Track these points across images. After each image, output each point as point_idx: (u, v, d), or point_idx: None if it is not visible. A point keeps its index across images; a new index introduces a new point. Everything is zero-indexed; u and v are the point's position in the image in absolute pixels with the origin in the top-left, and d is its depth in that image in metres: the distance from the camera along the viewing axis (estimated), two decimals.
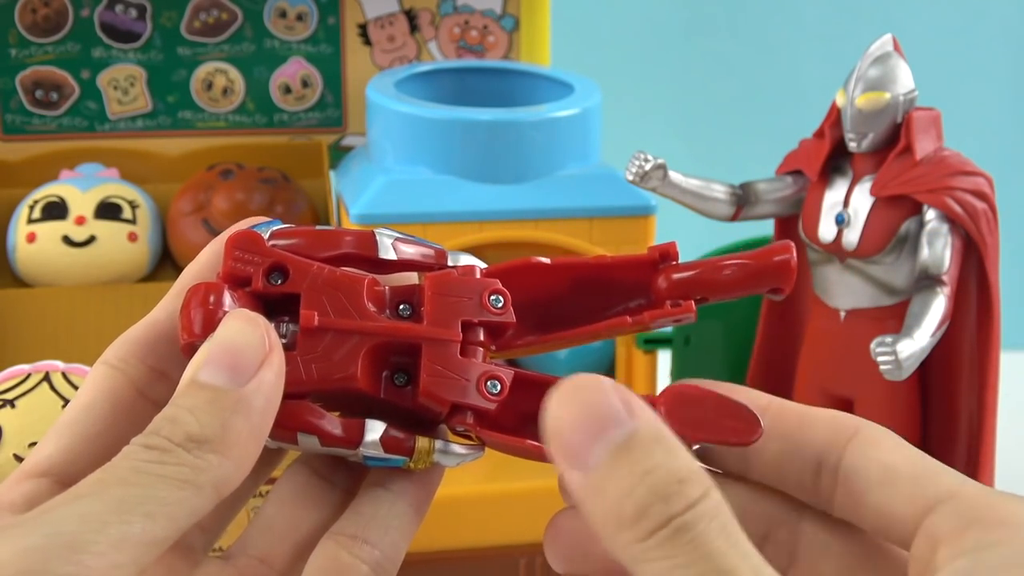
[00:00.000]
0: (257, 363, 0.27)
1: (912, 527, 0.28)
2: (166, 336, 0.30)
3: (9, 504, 0.27)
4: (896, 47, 0.60)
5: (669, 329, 0.70)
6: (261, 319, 0.27)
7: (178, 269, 0.76)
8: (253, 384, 0.26)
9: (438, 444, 0.29)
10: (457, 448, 0.29)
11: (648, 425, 0.25)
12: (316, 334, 0.29)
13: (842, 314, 0.61)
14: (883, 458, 0.29)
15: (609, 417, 0.25)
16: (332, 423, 0.29)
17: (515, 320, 0.30)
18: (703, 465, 0.25)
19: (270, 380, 0.27)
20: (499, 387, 0.29)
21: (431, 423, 0.30)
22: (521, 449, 0.29)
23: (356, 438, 0.29)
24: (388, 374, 0.30)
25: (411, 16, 0.82)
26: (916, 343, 0.55)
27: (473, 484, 0.66)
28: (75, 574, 0.23)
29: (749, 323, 0.68)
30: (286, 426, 0.28)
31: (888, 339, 0.54)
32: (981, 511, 0.26)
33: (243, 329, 0.27)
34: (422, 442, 0.29)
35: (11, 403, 0.57)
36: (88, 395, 0.29)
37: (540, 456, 0.29)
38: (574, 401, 0.25)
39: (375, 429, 0.29)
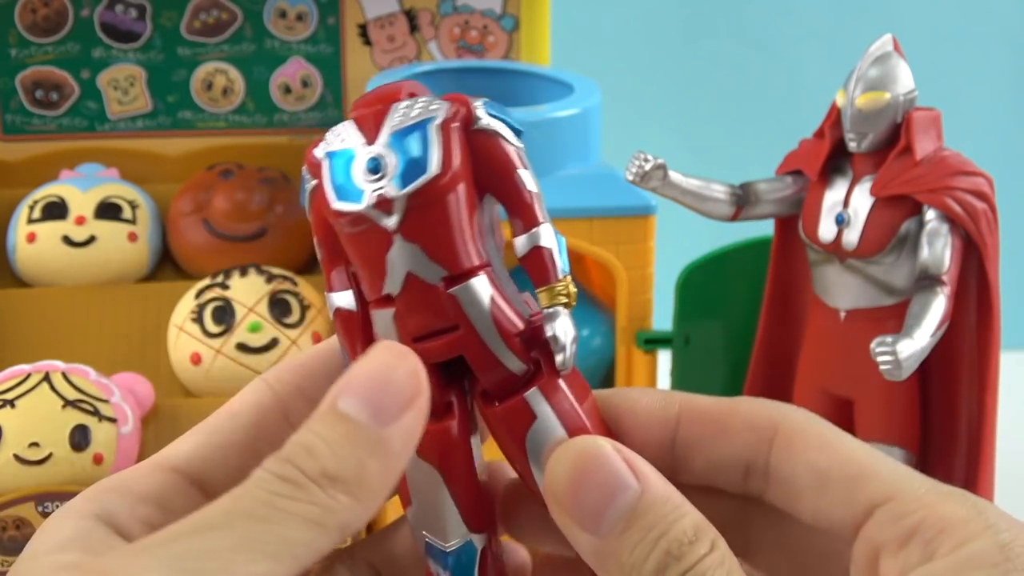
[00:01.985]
0: (403, 404, 0.25)
1: (850, 533, 0.27)
2: (328, 367, 0.29)
3: (141, 493, 0.27)
4: (896, 47, 0.60)
5: (669, 328, 0.70)
6: (412, 355, 0.26)
7: (178, 269, 0.76)
8: (395, 426, 0.25)
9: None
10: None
11: (655, 487, 0.26)
12: None
13: (842, 314, 0.61)
14: (810, 460, 0.28)
15: (616, 482, 0.26)
16: None
17: None
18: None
19: (412, 425, 0.26)
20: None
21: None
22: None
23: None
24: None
25: (411, 16, 0.82)
26: (916, 343, 0.55)
27: None
28: None
29: (749, 323, 0.68)
30: None
31: (888, 339, 0.54)
32: (920, 516, 0.26)
33: (393, 365, 0.26)
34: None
35: (11, 403, 0.57)
36: (236, 405, 0.29)
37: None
38: (577, 467, 0.26)
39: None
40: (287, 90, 0.82)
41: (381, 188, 0.27)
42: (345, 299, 0.28)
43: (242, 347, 0.65)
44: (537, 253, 0.28)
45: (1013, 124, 1.29)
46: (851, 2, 1.24)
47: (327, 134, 0.28)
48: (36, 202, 0.74)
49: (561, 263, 0.28)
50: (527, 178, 0.28)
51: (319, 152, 0.28)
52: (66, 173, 0.77)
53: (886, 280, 0.60)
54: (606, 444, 0.26)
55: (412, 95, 0.28)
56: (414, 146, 0.27)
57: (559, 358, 0.27)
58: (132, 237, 0.74)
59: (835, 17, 1.23)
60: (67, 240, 0.72)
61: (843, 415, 0.63)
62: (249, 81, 0.82)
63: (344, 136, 0.28)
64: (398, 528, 0.31)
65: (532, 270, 0.28)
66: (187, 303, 0.67)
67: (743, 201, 0.64)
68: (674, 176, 0.62)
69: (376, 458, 0.25)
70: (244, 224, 0.74)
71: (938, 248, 0.58)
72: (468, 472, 0.28)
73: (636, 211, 0.67)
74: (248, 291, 0.67)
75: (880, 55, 0.59)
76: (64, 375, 0.58)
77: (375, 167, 0.27)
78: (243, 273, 0.68)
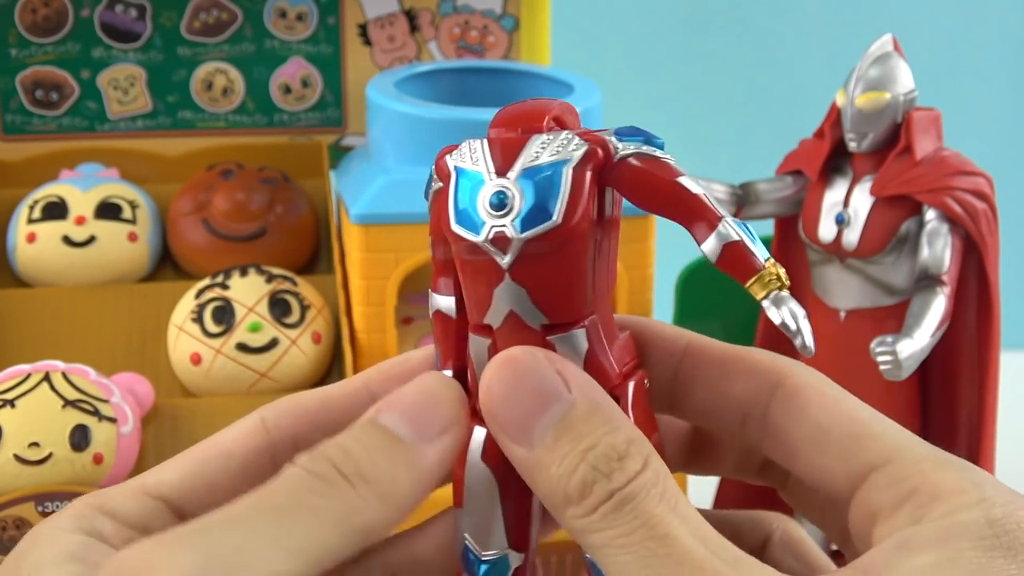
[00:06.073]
0: (442, 427, 0.26)
1: (846, 494, 0.26)
2: (327, 422, 0.29)
3: (126, 518, 0.27)
4: (896, 47, 0.60)
5: None
6: (457, 386, 0.27)
7: (178, 269, 0.76)
8: (432, 445, 0.26)
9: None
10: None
11: (585, 397, 0.25)
12: None
13: (842, 314, 0.61)
14: (810, 415, 0.27)
15: (547, 392, 0.25)
16: None
17: None
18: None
19: (448, 447, 0.26)
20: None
21: None
22: None
23: None
24: None
25: (411, 16, 0.82)
26: (916, 343, 0.55)
27: None
28: None
29: (749, 323, 0.68)
30: None
31: (888, 339, 0.54)
32: (915, 482, 0.25)
33: (437, 391, 0.26)
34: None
35: (11, 403, 0.57)
36: (229, 443, 0.29)
37: None
38: (510, 377, 0.25)
39: None
40: (287, 90, 0.82)
41: (502, 226, 0.26)
42: (447, 303, 0.29)
43: (242, 347, 0.65)
44: (729, 250, 0.27)
45: (1013, 124, 1.29)
46: (851, 2, 1.24)
47: (462, 144, 0.28)
48: (36, 202, 0.74)
49: (758, 250, 0.27)
50: (687, 183, 0.27)
51: (451, 161, 0.28)
52: (66, 173, 0.77)
53: (886, 280, 0.60)
54: (539, 353, 0.26)
55: (557, 120, 0.28)
56: (543, 189, 0.26)
57: (797, 342, 0.26)
58: (132, 237, 0.74)
59: (835, 17, 1.23)
60: (67, 240, 0.72)
61: None
62: (249, 81, 0.82)
63: (477, 157, 0.27)
64: (422, 531, 0.31)
65: (730, 268, 0.27)
66: (187, 303, 0.67)
67: (743, 201, 0.64)
68: None
69: (410, 471, 0.25)
70: (244, 224, 0.74)
71: (938, 248, 0.58)
72: (523, 489, 0.28)
73: (636, 211, 0.67)
74: (248, 291, 0.67)
75: (880, 55, 0.59)
76: (64, 375, 0.58)
77: (500, 202, 0.26)
78: (243, 273, 0.68)
